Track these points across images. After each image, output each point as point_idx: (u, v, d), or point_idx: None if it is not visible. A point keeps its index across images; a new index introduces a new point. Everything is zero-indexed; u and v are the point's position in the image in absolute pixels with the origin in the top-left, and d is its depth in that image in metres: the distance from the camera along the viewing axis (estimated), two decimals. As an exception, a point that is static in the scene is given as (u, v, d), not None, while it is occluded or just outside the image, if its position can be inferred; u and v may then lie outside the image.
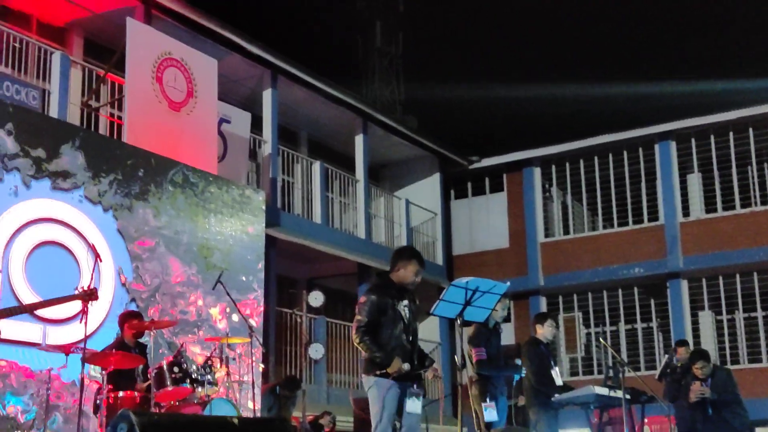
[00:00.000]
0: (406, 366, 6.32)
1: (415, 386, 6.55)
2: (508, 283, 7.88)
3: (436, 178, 21.23)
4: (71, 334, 9.54)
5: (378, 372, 6.41)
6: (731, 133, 19.02)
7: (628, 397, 8.90)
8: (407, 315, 6.64)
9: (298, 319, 14.06)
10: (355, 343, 6.57)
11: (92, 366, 9.00)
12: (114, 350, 8.31)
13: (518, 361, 9.03)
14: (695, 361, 10.00)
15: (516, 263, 20.45)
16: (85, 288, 6.70)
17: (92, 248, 9.91)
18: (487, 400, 8.45)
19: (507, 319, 20.36)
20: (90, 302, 6.74)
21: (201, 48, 13.77)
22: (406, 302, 6.67)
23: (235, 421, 4.41)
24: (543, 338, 9.42)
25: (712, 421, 9.76)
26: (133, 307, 10.86)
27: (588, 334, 19.91)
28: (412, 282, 6.72)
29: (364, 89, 31.93)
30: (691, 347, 11.38)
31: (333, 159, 18.76)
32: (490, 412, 8.26)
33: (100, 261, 9.83)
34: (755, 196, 18.74)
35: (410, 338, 6.61)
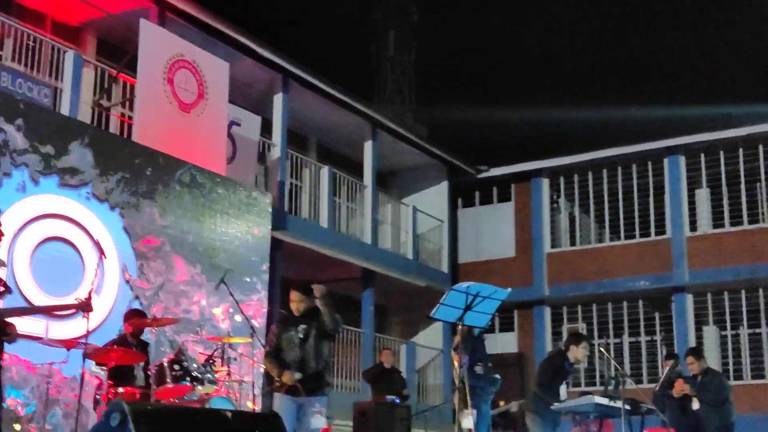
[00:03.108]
0: (297, 375, 7.20)
1: (317, 404, 7.30)
2: (509, 290, 7.93)
3: (443, 186, 21.27)
4: (73, 329, 9.59)
5: (275, 387, 7.35)
6: (741, 150, 19.00)
7: (627, 408, 8.89)
8: (299, 339, 7.40)
9: (302, 322, 14.08)
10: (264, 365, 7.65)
11: (93, 362, 9.08)
12: (115, 346, 8.39)
13: (497, 376, 9.09)
14: (687, 356, 10.64)
15: (521, 273, 20.45)
16: (83, 298, 6.85)
17: (97, 245, 10.01)
18: (469, 407, 8.48)
19: (511, 328, 20.40)
20: (87, 312, 6.93)
21: (213, 50, 13.87)
22: (301, 327, 7.45)
23: (228, 414, 4.46)
24: (572, 358, 9.31)
25: (690, 416, 10.30)
26: (136, 305, 10.94)
27: (591, 346, 19.87)
28: (296, 309, 7.51)
29: (376, 97, 32.01)
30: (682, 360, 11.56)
31: (341, 164, 18.82)
32: (467, 419, 8.31)
33: (105, 258, 9.94)
34: (763, 213, 18.71)
35: (305, 357, 7.37)
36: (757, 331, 18.43)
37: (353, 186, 18.51)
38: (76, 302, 7.07)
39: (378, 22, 34.00)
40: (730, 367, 18.33)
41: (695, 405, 10.28)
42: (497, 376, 9.13)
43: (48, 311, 9.09)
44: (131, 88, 13.12)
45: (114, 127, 13.53)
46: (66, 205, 10.51)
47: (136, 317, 9.04)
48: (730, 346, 18.42)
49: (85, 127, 11.49)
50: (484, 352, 9.16)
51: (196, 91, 12.94)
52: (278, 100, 16.29)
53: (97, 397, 8.58)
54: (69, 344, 8.49)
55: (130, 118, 12.93)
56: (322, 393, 7.42)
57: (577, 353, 9.31)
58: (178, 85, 12.67)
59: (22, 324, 9.56)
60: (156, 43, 12.49)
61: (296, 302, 7.54)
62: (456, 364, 8.58)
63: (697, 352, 10.90)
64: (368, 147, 18.75)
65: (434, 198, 21.16)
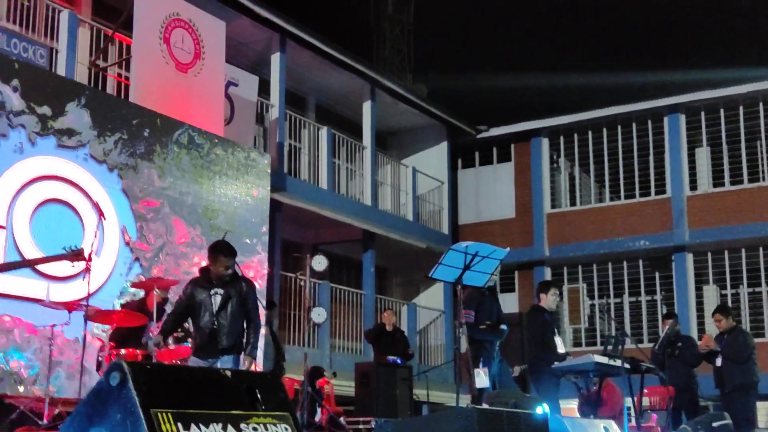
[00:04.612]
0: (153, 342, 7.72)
1: (220, 360, 7.33)
2: (508, 249, 7.91)
3: (443, 146, 21.19)
4: (74, 291, 9.59)
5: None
6: (741, 108, 18.91)
7: (627, 366, 8.91)
8: (216, 302, 7.36)
9: (302, 284, 14.11)
10: None
11: (95, 323, 9.10)
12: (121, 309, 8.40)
13: (504, 327, 8.99)
14: (714, 313, 11.01)
15: (522, 233, 20.45)
16: (73, 247, 6.80)
17: (96, 206, 9.97)
18: (480, 365, 8.39)
19: (511, 289, 20.45)
20: (76, 262, 6.87)
21: (209, 10, 13.73)
22: (217, 290, 7.39)
23: (228, 374, 4.45)
24: (547, 307, 9.41)
25: (717, 372, 10.54)
26: (137, 267, 10.96)
27: (592, 306, 19.95)
28: (224, 274, 7.39)
29: (374, 57, 31.74)
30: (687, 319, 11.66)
31: (340, 125, 18.73)
32: (481, 378, 8.18)
33: (104, 219, 9.92)
34: (763, 171, 18.67)
35: (217, 322, 7.34)
36: (757, 290, 18.47)
37: (353, 147, 18.44)
38: (65, 252, 7.00)
39: (376, -21, 33.55)
40: (730, 326, 18.38)
41: (719, 361, 10.44)
42: (503, 327, 9.02)
43: (38, 263, 9.02)
44: (127, 48, 13.01)
45: (111, 88, 13.43)
46: (64, 166, 10.45)
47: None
48: (730, 305, 18.44)
49: (81, 87, 11.39)
50: (493, 307, 9.04)
51: (192, 51, 12.82)
52: (276, 59, 16.16)
53: (100, 358, 8.60)
54: (70, 306, 8.52)
55: (127, 78, 12.82)
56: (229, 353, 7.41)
57: (549, 301, 9.40)
58: (175, 45, 12.56)
59: (23, 287, 9.60)
60: (151, 2, 12.35)
61: (225, 266, 7.42)
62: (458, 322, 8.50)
63: (725, 309, 11.17)
64: (367, 107, 18.64)
65: (434, 159, 21.09)
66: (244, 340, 7.47)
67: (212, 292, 7.38)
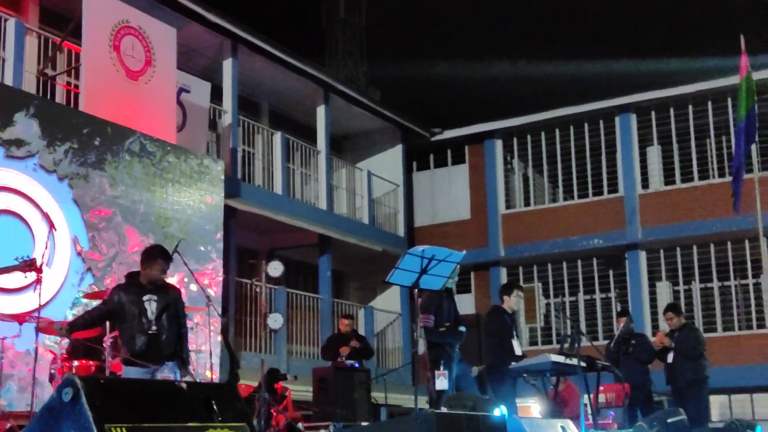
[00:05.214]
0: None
1: (166, 370, 7.13)
2: (464, 252, 7.95)
3: (398, 149, 21.23)
4: (25, 303, 9.44)
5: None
6: (690, 107, 19.20)
7: (583, 365, 9.00)
8: (152, 308, 7.14)
9: (258, 290, 14.03)
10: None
11: (47, 335, 8.96)
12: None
13: (462, 328, 8.99)
14: (666, 311, 11.26)
15: (477, 234, 20.56)
16: (26, 257, 6.70)
17: (46, 217, 9.82)
18: (441, 367, 8.41)
19: (468, 290, 20.54)
20: (29, 272, 6.76)
21: (159, 16, 13.60)
22: (151, 296, 7.18)
23: (184, 385, 4.41)
24: (509, 308, 9.46)
25: (668, 369, 10.88)
26: (89, 277, 10.82)
27: (547, 305, 20.11)
28: (158, 278, 7.25)
29: (327, 61, 31.76)
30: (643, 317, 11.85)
31: (294, 130, 18.67)
32: (441, 381, 8.19)
33: (54, 230, 9.78)
34: (713, 169, 18.97)
35: (157, 327, 7.13)
36: (709, 285, 18.76)
37: (307, 151, 18.40)
38: (17, 263, 6.89)
39: (327, -17, 33.59)
40: (683, 322, 18.61)
41: (670, 358, 10.70)
42: (461, 328, 9.03)
43: None
44: (77, 56, 12.84)
45: (60, 97, 13.25)
46: (13, 177, 10.29)
47: None
48: (682, 301, 18.72)
49: (30, 97, 11.23)
50: (450, 309, 9.03)
51: (143, 58, 12.70)
52: (228, 65, 16.06)
53: (52, 371, 8.48)
54: (21, 318, 8.38)
55: (77, 87, 12.66)
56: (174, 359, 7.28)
57: (512, 302, 9.49)
58: (125, 53, 12.43)
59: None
60: (100, 10, 12.21)
61: (161, 270, 7.28)
62: (416, 325, 8.50)
63: (676, 307, 11.47)
64: (321, 111, 18.60)
65: (389, 162, 21.12)
66: (178, 349, 7.30)
67: (145, 297, 7.15)
